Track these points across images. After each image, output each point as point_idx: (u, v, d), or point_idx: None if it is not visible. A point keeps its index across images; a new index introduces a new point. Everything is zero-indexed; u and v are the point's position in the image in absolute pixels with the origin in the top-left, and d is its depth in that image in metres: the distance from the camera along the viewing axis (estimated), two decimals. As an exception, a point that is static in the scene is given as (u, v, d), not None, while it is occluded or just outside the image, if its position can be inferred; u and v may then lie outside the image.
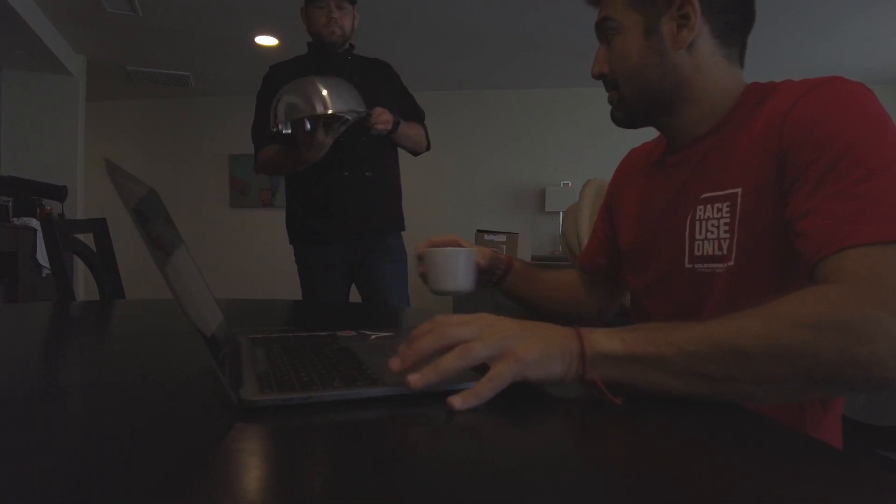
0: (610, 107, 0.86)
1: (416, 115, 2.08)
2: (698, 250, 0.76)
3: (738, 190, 0.71)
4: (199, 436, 0.42)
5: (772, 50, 3.94)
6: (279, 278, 4.98)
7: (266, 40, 4.12)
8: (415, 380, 0.49)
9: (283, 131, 1.74)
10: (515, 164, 5.14)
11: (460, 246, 0.97)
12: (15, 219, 3.47)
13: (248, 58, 4.39)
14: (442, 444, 0.44)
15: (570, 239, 3.25)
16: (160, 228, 0.53)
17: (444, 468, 0.38)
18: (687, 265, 0.78)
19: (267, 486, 0.35)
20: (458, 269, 0.91)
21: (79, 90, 4.20)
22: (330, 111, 1.62)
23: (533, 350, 0.50)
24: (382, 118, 1.81)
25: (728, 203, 0.72)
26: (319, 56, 1.98)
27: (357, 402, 0.49)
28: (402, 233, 2.10)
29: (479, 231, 3.64)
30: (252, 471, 0.37)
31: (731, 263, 0.71)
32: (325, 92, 1.63)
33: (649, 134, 0.90)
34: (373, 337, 0.76)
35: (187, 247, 0.70)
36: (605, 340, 0.52)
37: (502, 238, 3.51)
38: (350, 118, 1.69)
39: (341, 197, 1.96)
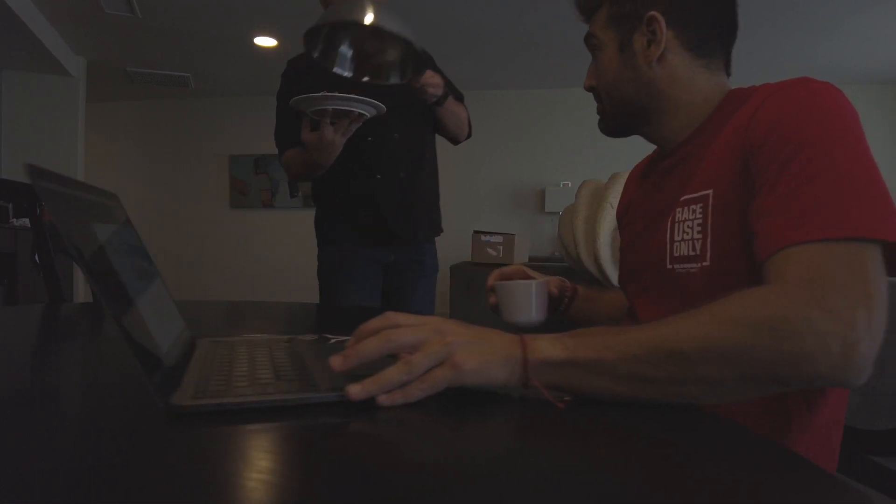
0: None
1: (456, 97, 1.80)
2: (676, 251, 0.77)
3: (710, 192, 0.72)
4: (118, 441, 0.42)
5: (771, 50, 3.92)
6: (279, 279, 5.00)
7: (265, 41, 4.13)
8: (355, 391, 0.49)
9: (313, 54, 1.43)
10: (515, 164, 5.14)
11: (527, 276, 1.00)
12: (14, 220, 3.49)
13: (248, 58, 4.41)
14: (374, 449, 0.43)
15: (566, 240, 3.24)
16: (118, 254, 0.53)
17: (370, 472, 0.37)
18: (668, 266, 0.79)
19: (171, 491, 0.34)
20: (531, 301, 0.94)
21: (79, 91, 4.22)
22: (370, 22, 1.29)
23: (472, 358, 0.51)
24: (433, 80, 1.54)
25: (701, 205, 0.73)
26: None
27: (294, 408, 0.49)
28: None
29: (475, 232, 3.63)
30: (158, 476, 0.37)
31: (706, 263, 0.72)
32: (371, 8, 1.32)
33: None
34: (332, 341, 0.76)
35: (151, 258, 0.70)
36: (547, 347, 0.53)
37: (499, 239, 3.49)
38: (367, 114, 1.43)
39: (374, 203, 1.72)
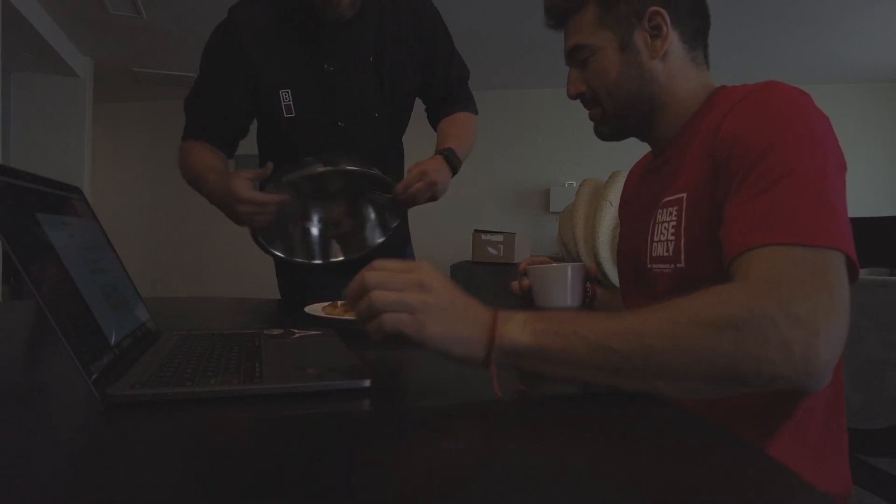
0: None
1: (460, 90, 1.42)
2: (654, 251, 0.79)
3: (684, 195, 0.73)
4: (51, 428, 0.43)
5: (775, 47, 3.86)
6: (283, 278, 5.02)
7: (269, 41, 4.14)
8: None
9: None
10: (519, 164, 5.12)
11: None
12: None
13: (253, 59, 4.42)
14: (307, 442, 0.43)
15: (566, 238, 3.22)
16: (65, 245, 0.54)
17: (299, 464, 0.37)
18: (647, 265, 0.80)
19: (94, 476, 0.34)
20: (567, 285, 0.91)
21: (86, 91, 4.27)
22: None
23: (436, 325, 0.52)
24: (414, 189, 1.15)
25: (676, 207, 0.74)
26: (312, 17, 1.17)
27: (235, 400, 0.49)
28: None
29: (476, 231, 3.63)
30: (84, 461, 0.37)
31: (680, 265, 0.73)
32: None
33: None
34: (296, 335, 0.76)
35: (114, 252, 0.71)
36: (516, 333, 0.54)
37: (499, 238, 3.49)
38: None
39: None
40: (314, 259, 1.25)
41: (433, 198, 1.20)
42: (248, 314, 1.28)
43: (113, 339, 0.55)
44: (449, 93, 1.41)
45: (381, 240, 1.26)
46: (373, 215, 1.29)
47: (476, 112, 1.45)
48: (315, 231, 1.26)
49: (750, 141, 0.64)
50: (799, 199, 0.58)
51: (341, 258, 1.26)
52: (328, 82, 1.21)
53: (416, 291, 0.53)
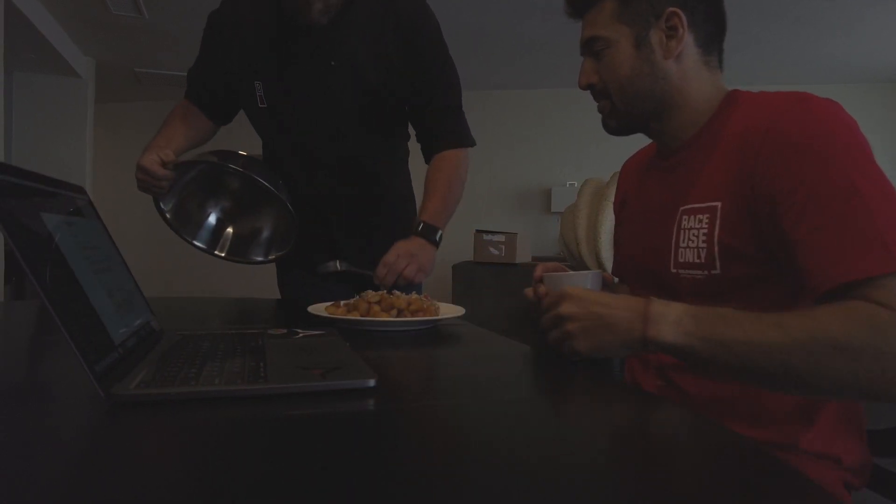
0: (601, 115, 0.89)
1: (452, 118, 1.36)
2: (681, 257, 0.79)
3: (718, 204, 0.74)
4: (56, 428, 0.43)
5: (776, 46, 3.86)
6: (285, 278, 5.01)
7: (270, 41, 4.14)
8: None
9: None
10: (521, 164, 5.12)
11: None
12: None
13: (254, 59, 4.42)
14: (312, 442, 0.43)
15: (568, 239, 3.22)
16: (70, 244, 0.53)
17: (299, 465, 0.37)
18: (672, 270, 0.80)
19: (99, 475, 0.34)
20: None
21: (87, 92, 4.27)
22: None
23: (586, 344, 0.68)
24: (388, 280, 1.15)
25: (707, 215, 0.75)
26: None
27: (241, 399, 0.49)
28: None
29: (477, 231, 3.62)
30: (90, 461, 0.37)
31: (716, 271, 0.74)
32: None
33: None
34: (300, 335, 0.76)
35: (118, 251, 0.71)
36: (668, 333, 0.64)
37: (501, 238, 3.48)
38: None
39: (341, 242, 1.39)
40: (194, 240, 1.37)
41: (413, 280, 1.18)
42: (251, 314, 1.29)
43: (117, 338, 0.55)
44: (438, 118, 1.35)
45: (259, 259, 1.37)
46: (266, 233, 1.40)
47: (469, 143, 1.42)
48: (212, 219, 1.39)
49: (802, 161, 0.65)
50: (879, 221, 0.60)
51: (221, 255, 1.38)
52: (289, 79, 1.27)
53: (560, 325, 0.69)
